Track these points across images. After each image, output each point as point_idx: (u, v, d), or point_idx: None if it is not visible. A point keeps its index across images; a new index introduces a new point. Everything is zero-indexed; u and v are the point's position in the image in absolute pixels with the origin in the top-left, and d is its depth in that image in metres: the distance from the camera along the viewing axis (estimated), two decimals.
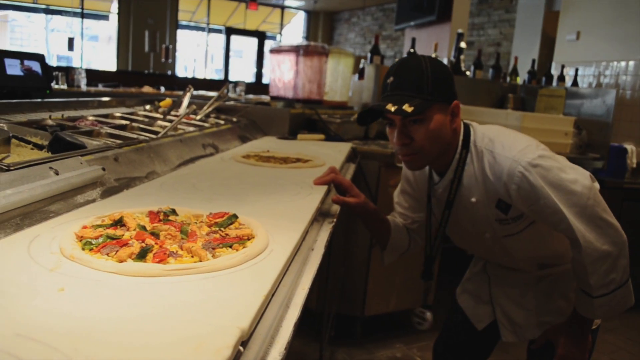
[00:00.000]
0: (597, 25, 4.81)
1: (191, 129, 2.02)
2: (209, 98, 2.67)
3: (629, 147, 3.87)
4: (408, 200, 1.70)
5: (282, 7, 13.90)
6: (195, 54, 13.60)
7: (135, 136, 1.65)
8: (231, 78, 13.41)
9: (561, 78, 4.83)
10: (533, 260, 1.57)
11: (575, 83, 4.67)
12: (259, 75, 13.93)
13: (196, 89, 6.98)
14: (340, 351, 2.82)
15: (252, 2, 12.70)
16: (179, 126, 2.01)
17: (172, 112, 2.38)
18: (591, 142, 3.67)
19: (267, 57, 11.95)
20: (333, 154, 2.23)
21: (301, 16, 14.39)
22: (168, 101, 2.51)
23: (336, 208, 1.47)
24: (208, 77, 13.10)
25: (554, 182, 1.30)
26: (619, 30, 4.52)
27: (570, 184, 1.30)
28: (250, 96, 5.87)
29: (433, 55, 3.96)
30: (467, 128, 1.47)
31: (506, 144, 1.37)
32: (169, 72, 10.17)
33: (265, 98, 4.51)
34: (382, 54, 3.70)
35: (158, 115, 2.26)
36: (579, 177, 1.32)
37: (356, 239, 2.77)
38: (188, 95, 2.46)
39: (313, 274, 0.97)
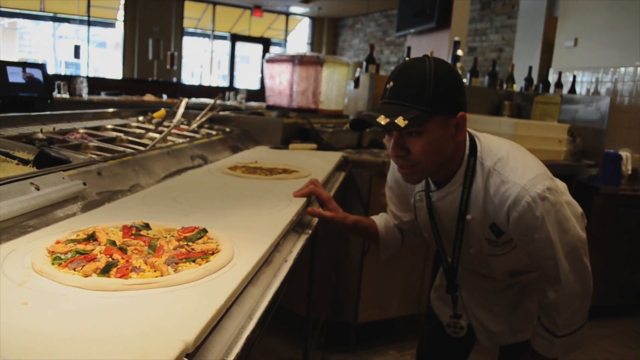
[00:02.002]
0: (594, 32, 4.82)
1: (181, 140, 2.07)
2: (208, 105, 2.72)
3: (624, 153, 3.88)
4: (394, 200, 1.65)
5: (287, 14, 13.99)
6: (201, 60, 13.70)
7: (122, 149, 1.70)
8: (237, 84, 13.51)
9: (559, 85, 4.84)
10: (507, 272, 1.59)
11: (572, 90, 4.68)
12: (263, 81, 14.02)
13: (200, 96, 7.11)
14: (332, 358, 2.86)
15: (256, 9, 12.83)
16: (170, 137, 2.06)
17: (165, 123, 2.43)
18: (586, 149, 3.69)
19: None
20: (322, 164, 2.27)
21: (306, 22, 14.48)
22: (162, 112, 2.56)
23: (316, 219, 1.51)
24: (214, 84, 13.21)
25: (556, 218, 1.30)
26: (616, 37, 4.53)
27: (568, 222, 1.32)
28: (252, 103, 5.93)
29: None
30: (472, 140, 1.39)
31: (518, 168, 1.32)
32: (174, 80, 10.27)
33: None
34: (386, 60, 3.77)
35: (150, 127, 2.32)
36: (575, 217, 1.35)
37: (348, 246, 2.80)
38: (182, 106, 2.51)
39: (276, 287, 1.01)
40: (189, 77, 13.69)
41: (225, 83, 13.69)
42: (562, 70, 5.05)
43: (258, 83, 13.66)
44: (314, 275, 2.34)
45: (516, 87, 4.70)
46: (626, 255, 3.72)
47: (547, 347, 1.43)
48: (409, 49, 3.96)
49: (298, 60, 3.37)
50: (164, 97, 6.10)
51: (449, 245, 1.54)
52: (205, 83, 13.36)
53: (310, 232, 1.40)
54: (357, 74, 3.74)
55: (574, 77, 4.88)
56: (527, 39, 7.22)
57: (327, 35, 14.19)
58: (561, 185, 1.43)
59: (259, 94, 7.04)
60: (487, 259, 1.49)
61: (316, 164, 2.25)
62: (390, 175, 1.63)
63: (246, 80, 14.27)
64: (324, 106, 3.44)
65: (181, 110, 2.50)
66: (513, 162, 1.33)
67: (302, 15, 14.11)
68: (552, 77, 5.29)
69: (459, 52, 4.27)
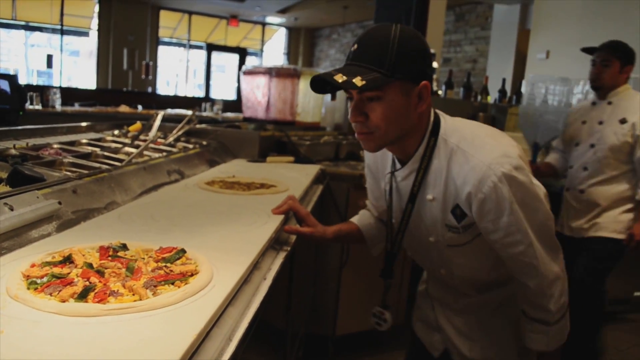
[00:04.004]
0: (565, 45, 4.94)
1: (157, 155, 2.05)
2: (185, 118, 2.71)
3: None
4: (372, 186, 1.59)
5: (264, 24, 14.01)
6: (177, 70, 13.62)
7: (98, 165, 1.68)
8: (213, 93, 13.46)
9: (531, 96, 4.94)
10: (470, 282, 1.49)
11: (545, 101, 4.78)
12: (239, 91, 13.98)
13: (176, 106, 7.06)
14: None
15: (233, 19, 12.83)
16: (146, 152, 2.04)
17: (141, 137, 2.41)
18: None
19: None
20: (299, 177, 2.27)
21: (282, 32, 14.51)
22: (137, 125, 2.54)
23: (293, 237, 1.51)
24: (190, 94, 13.14)
25: (525, 198, 1.22)
26: None
27: (536, 200, 1.25)
28: (228, 114, 5.92)
29: None
30: (436, 118, 1.33)
31: (484, 146, 1.23)
32: (150, 90, 10.19)
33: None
34: None
35: (126, 141, 2.30)
36: (542, 195, 1.28)
37: (326, 259, 2.80)
38: (158, 119, 2.49)
39: (256, 307, 1.01)
40: (164, 86, 13.59)
41: (201, 92, 13.62)
42: (535, 82, 5.16)
43: (234, 93, 13.62)
44: (293, 288, 2.34)
45: (490, 99, 4.78)
46: None
47: (542, 340, 1.37)
48: None
49: (275, 73, 3.38)
50: (139, 107, 6.04)
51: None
52: (181, 93, 13.28)
53: (288, 249, 1.40)
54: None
55: (547, 88, 4.99)
56: (500, 51, 7.36)
57: (304, 45, 14.25)
58: (527, 168, 1.31)
59: (235, 104, 7.01)
60: (447, 252, 1.40)
61: (294, 177, 2.25)
62: (367, 153, 1.54)
63: (222, 89, 14.23)
64: (301, 118, 3.45)
65: (157, 123, 2.49)
66: (479, 140, 1.26)
67: (279, 25, 14.15)
68: (525, 89, 5.39)
69: (434, 64, 4.33)
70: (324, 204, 2.67)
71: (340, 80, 1.16)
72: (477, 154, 1.22)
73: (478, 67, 8.75)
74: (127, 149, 2.09)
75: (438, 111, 1.35)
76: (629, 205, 2.76)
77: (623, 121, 2.77)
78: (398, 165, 1.38)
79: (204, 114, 5.52)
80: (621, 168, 2.75)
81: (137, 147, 2.18)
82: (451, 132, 1.29)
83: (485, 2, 7.39)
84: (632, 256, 3.80)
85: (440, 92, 4.44)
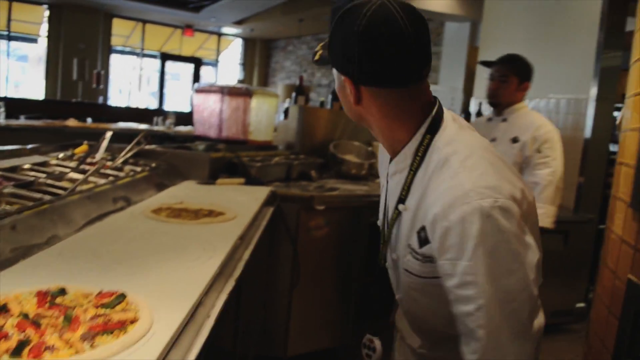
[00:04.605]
0: None
1: (104, 181, 2.02)
2: (137, 133, 2.67)
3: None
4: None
5: (219, 34, 13.94)
6: (130, 77, 13.38)
7: (40, 196, 1.65)
8: (167, 103, 13.29)
9: (479, 114, 5.10)
10: (422, 325, 1.27)
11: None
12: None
13: (128, 119, 6.92)
14: None
15: (188, 29, 12.73)
16: (91, 178, 2.01)
17: (88, 159, 2.37)
18: None
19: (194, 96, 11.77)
20: (248, 202, 2.28)
21: (238, 43, 14.47)
22: (84, 147, 2.50)
23: (239, 269, 1.52)
24: (142, 104, 12.94)
25: (498, 250, 0.97)
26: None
27: (515, 262, 0.99)
28: (181, 128, 5.85)
29: None
30: (438, 115, 1.13)
31: (475, 170, 1.02)
32: (101, 100, 9.96)
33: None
34: (318, 82, 3.83)
35: (72, 164, 2.26)
36: (528, 260, 1.01)
37: (277, 280, 2.81)
38: (105, 141, 2.46)
39: (199, 348, 1.02)
40: (116, 94, 13.32)
41: (154, 101, 13.41)
42: (482, 100, 5.32)
43: (188, 103, 13.45)
44: (241, 312, 2.34)
45: None
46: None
47: None
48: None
49: (227, 91, 3.38)
50: (89, 120, 5.90)
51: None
52: (134, 101, 13.05)
53: (234, 282, 1.40)
54: (286, 105, 3.79)
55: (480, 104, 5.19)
56: (451, 67, 7.56)
57: (260, 56, 14.25)
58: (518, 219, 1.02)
59: (188, 117, 6.92)
60: (403, 278, 1.19)
61: (243, 202, 2.26)
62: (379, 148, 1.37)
63: (177, 97, 14.02)
64: (253, 137, 3.46)
65: (104, 146, 2.46)
66: (472, 162, 1.04)
67: (235, 36, 14.11)
68: (473, 107, 5.57)
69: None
70: (274, 226, 2.68)
71: (317, 49, 1.17)
72: (462, 175, 1.01)
73: (430, 82, 8.93)
74: (72, 174, 2.06)
75: (447, 110, 1.16)
76: None
77: (515, 140, 2.74)
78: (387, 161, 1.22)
79: (156, 128, 5.45)
80: None
81: (82, 171, 2.15)
82: (448, 140, 1.09)
83: (436, 19, 7.57)
84: (574, 269, 3.98)
85: None
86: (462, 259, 0.97)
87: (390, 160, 1.18)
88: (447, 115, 1.15)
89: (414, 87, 1.08)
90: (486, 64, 2.85)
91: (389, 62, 1.03)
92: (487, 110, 4.88)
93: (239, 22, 12.04)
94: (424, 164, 1.10)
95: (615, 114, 4.31)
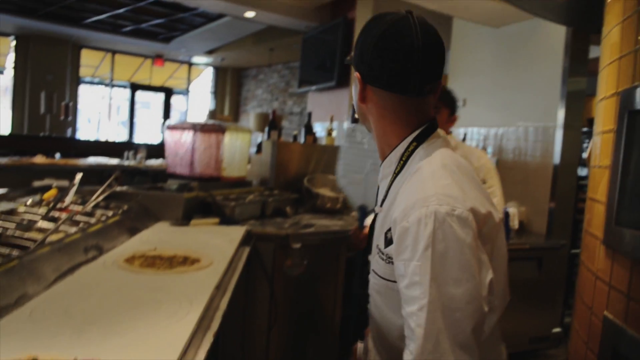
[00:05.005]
0: (480, 94, 5.22)
1: (74, 229, 1.97)
2: (108, 169, 2.62)
3: (511, 209, 4.18)
4: None
5: (190, 64, 13.94)
6: (99, 107, 13.22)
7: (7, 251, 1.59)
8: (137, 134, 13.16)
9: None
10: (382, 332, 1.25)
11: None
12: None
13: (97, 153, 6.81)
14: None
15: (158, 59, 12.70)
16: (62, 226, 1.96)
17: (58, 204, 2.32)
18: None
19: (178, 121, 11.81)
20: (224, 245, 2.25)
21: (209, 72, 14.48)
22: (53, 192, 2.44)
23: (217, 321, 1.48)
24: (112, 136, 12.79)
25: (447, 256, 0.99)
26: (499, 99, 4.94)
27: (463, 271, 0.99)
28: (152, 162, 5.78)
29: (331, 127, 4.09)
30: (429, 129, 1.20)
31: (441, 180, 1.07)
32: (69, 132, 9.81)
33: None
34: (289, 110, 3.84)
35: (41, 211, 2.20)
36: (481, 276, 1.01)
37: (255, 320, 2.77)
38: (74, 187, 2.41)
39: None
40: (85, 124, 13.12)
41: (124, 130, 13.24)
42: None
43: (159, 133, 13.30)
44: (219, 353, 2.30)
45: None
46: (518, 306, 3.96)
47: None
48: (309, 115, 4.08)
49: (199, 128, 3.36)
50: (57, 156, 5.78)
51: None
52: (103, 131, 12.88)
53: (212, 337, 1.37)
54: (259, 140, 3.79)
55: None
56: None
57: (231, 84, 14.26)
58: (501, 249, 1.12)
59: (160, 149, 6.85)
60: (371, 278, 1.24)
61: (218, 245, 2.23)
62: None
63: (148, 127, 13.86)
64: (227, 173, 3.43)
65: (73, 191, 2.41)
66: (441, 173, 1.09)
67: (206, 65, 14.11)
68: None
69: None
70: (251, 266, 2.65)
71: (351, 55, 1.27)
72: (428, 182, 1.07)
73: None
74: (41, 223, 2.00)
75: (444, 133, 1.24)
76: None
77: None
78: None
79: (127, 163, 5.37)
80: None
81: (52, 219, 2.09)
82: (429, 152, 1.16)
83: None
84: (549, 294, 4.02)
85: (364, 141, 4.55)
86: (413, 259, 1.01)
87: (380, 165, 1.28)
88: (441, 134, 1.23)
89: (415, 99, 1.18)
90: None
91: (393, 70, 1.14)
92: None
93: (209, 52, 12.07)
94: (404, 170, 1.18)
95: (583, 140, 4.43)
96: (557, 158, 4.12)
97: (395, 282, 1.09)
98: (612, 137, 1.64)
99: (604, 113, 1.76)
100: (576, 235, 4.76)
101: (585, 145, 4.58)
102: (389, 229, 1.11)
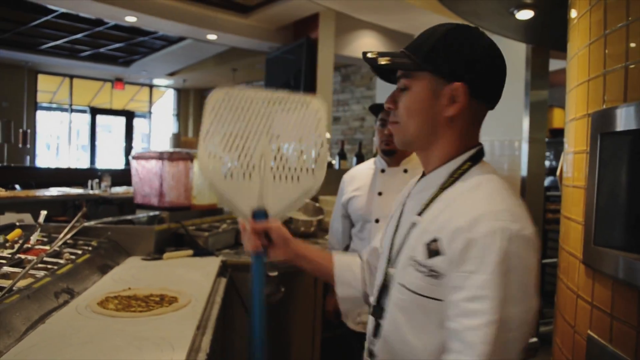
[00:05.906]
0: None
1: (42, 273, 1.88)
2: (71, 200, 2.53)
3: None
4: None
5: (151, 86, 13.77)
6: (58, 132, 12.91)
7: None
8: (99, 159, 12.88)
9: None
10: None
11: None
12: (128, 156, 13.47)
13: (59, 182, 6.60)
14: None
15: (118, 82, 12.51)
16: (30, 271, 1.87)
17: (24, 245, 2.22)
18: None
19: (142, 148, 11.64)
20: (200, 279, 2.19)
21: (171, 93, 14.32)
22: (17, 232, 2.34)
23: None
24: (72, 158, 12.48)
25: (516, 274, 0.98)
26: None
27: (524, 293, 0.99)
28: (118, 189, 5.63)
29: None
30: (481, 150, 1.21)
31: (506, 200, 1.06)
32: (28, 161, 9.53)
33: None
34: None
35: (6, 254, 2.10)
36: (535, 300, 1.01)
37: (234, 352, 2.71)
38: (38, 229, 2.32)
39: None
40: (44, 150, 12.78)
41: (85, 155, 12.92)
42: None
43: (122, 159, 13.01)
44: None
45: None
46: None
47: None
48: None
49: (167, 156, 3.29)
50: (17, 188, 5.59)
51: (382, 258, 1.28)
52: (63, 157, 12.57)
53: None
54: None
55: None
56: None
57: (194, 106, 14.14)
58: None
59: (125, 175, 6.68)
60: (392, 295, 1.16)
61: (194, 280, 2.17)
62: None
63: (110, 151, 13.57)
64: (197, 201, 3.37)
65: (38, 232, 2.32)
66: (507, 193, 1.09)
67: (167, 87, 13.97)
68: None
69: None
70: (229, 297, 2.59)
71: (368, 55, 1.18)
72: (496, 197, 1.06)
73: (366, 125, 9.14)
74: (6, 269, 1.90)
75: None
76: None
77: None
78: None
79: (91, 192, 5.21)
80: None
81: (17, 262, 2.00)
82: (486, 172, 1.15)
83: (365, 64, 7.80)
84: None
85: (334, 162, 4.55)
86: (479, 272, 0.97)
87: (421, 177, 1.25)
88: (485, 159, 1.22)
89: (485, 114, 1.22)
90: (377, 108, 2.45)
91: (497, 81, 1.17)
92: None
93: (171, 74, 11.96)
94: (456, 186, 1.14)
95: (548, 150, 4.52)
96: (524, 170, 4.19)
97: (428, 298, 1.06)
98: (585, 157, 1.66)
99: (576, 134, 1.79)
100: (546, 244, 4.85)
101: (547, 154, 4.68)
102: (433, 240, 1.06)
